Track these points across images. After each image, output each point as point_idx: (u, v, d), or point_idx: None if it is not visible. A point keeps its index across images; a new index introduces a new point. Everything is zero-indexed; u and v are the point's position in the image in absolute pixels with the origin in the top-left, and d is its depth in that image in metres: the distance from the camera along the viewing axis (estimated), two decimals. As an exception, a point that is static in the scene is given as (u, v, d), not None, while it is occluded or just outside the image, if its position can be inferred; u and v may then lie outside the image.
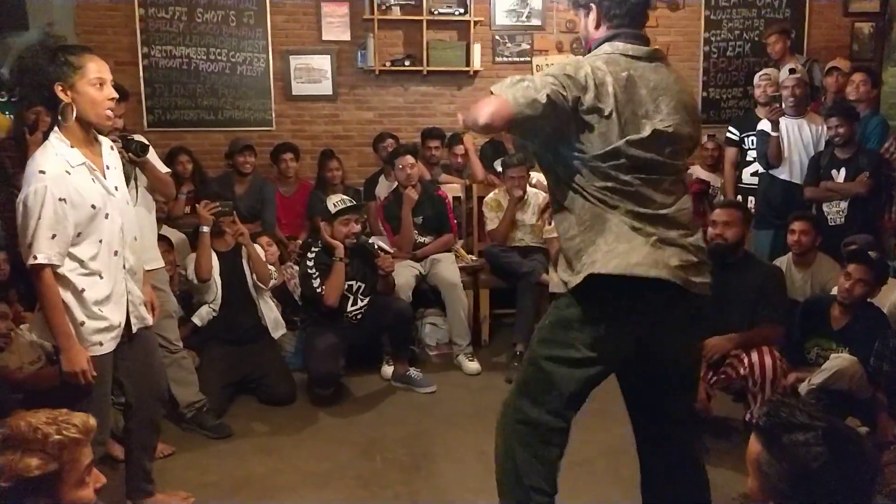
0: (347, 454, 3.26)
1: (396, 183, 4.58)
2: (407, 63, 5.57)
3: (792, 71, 4.44)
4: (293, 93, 5.59)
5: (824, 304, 3.44)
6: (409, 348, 4.23)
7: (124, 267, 2.41)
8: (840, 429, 1.41)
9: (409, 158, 4.44)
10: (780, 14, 6.00)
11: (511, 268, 4.47)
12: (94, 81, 2.21)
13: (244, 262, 3.90)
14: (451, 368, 4.32)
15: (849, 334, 3.31)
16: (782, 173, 4.39)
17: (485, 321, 4.69)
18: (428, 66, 5.55)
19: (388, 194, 4.78)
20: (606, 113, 1.85)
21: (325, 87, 5.61)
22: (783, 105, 4.36)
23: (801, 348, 3.44)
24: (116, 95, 2.31)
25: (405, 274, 4.31)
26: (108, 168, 2.36)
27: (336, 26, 5.55)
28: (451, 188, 5.04)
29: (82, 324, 2.28)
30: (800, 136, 4.37)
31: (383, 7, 5.47)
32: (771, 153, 4.32)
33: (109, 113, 2.27)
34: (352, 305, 4.00)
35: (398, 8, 5.52)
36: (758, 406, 3.10)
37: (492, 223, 4.68)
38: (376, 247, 4.14)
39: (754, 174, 4.65)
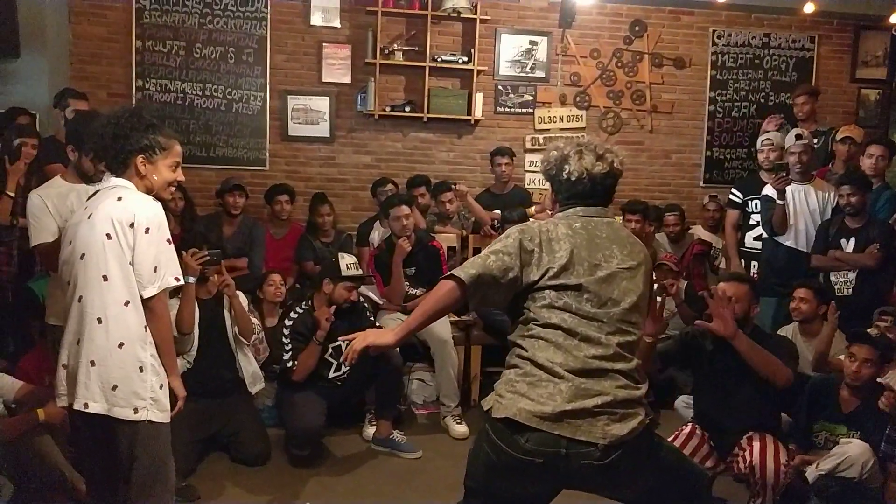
0: (322, 525, 3.05)
1: (390, 231, 4.42)
2: (407, 109, 5.47)
3: (798, 137, 4.32)
4: (289, 133, 5.48)
5: (832, 385, 3.26)
6: (395, 406, 4.02)
7: None
8: None
9: (405, 209, 4.27)
10: (787, 77, 5.98)
11: (505, 325, 4.27)
12: (172, 164, 2.36)
13: (226, 312, 3.71)
14: (438, 430, 4.10)
15: (859, 418, 3.14)
16: (787, 240, 4.26)
17: (475, 380, 4.49)
18: (428, 112, 5.46)
19: (380, 242, 4.62)
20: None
21: (323, 129, 5.51)
22: (790, 171, 4.25)
23: (808, 432, 3.25)
24: (183, 178, 2.46)
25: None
26: None
27: (337, 68, 5.47)
28: (446, 238, 4.89)
29: None
30: (806, 203, 4.25)
31: (386, 52, 5.40)
32: (776, 221, 4.20)
33: (173, 190, 2.45)
34: (334, 371, 3.81)
35: (401, 53, 5.45)
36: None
37: (487, 277, 4.51)
38: (361, 300, 3.96)
39: (757, 238, 4.51)
